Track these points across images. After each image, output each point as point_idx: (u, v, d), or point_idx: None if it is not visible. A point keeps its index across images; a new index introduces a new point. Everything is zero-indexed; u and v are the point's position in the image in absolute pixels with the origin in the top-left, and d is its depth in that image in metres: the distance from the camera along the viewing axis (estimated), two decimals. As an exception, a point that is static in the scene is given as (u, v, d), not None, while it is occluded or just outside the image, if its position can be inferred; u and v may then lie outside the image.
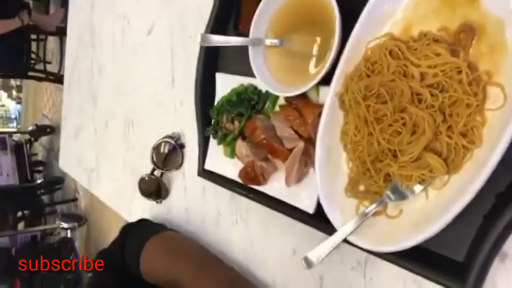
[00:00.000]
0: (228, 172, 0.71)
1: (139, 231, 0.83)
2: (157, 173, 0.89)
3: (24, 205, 3.19)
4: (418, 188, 0.48)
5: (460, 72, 0.44)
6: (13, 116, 7.60)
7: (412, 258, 0.49)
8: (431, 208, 0.48)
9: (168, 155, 0.88)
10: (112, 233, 0.86)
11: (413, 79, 0.46)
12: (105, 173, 1.17)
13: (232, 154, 0.70)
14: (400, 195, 0.49)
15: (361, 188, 0.54)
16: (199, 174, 0.77)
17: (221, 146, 0.72)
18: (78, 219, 3.02)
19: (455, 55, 0.45)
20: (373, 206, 0.52)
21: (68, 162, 1.39)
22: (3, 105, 8.09)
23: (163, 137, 0.87)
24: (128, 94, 1.07)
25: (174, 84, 0.91)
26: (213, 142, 0.74)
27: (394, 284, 0.53)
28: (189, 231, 0.84)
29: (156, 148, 0.88)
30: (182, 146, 0.86)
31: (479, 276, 0.44)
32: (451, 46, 0.46)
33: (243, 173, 0.67)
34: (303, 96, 0.59)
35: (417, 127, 0.46)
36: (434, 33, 0.47)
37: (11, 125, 7.52)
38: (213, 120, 0.73)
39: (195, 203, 0.84)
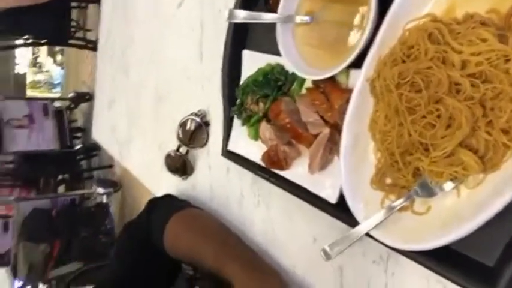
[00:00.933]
0: (251, 154, 0.69)
1: (165, 207, 0.84)
2: (182, 149, 0.89)
3: (64, 169, 3.35)
4: (449, 185, 0.44)
5: (508, 60, 0.40)
6: (57, 82, 7.87)
7: (437, 258, 0.46)
8: (462, 207, 0.44)
9: (194, 132, 0.87)
10: (145, 201, 0.87)
11: (453, 67, 0.42)
12: (135, 146, 1.18)
13: (256, 136, 0.68)
14: (429, 192, 0.46)
15: (388, 180, 0.51)
16: (222, 154, 0.75)
17: (245, 127, 0.70)
18: (114, 185, 3.14)
19: (503, 41, 0.40)
20: (400, 200, 0.49)
21: (101, 133, 1.42)
22: (47, 71, 8.39)
23: (190, 114, 0.86)
24: (159, 67, 1.06)
25: (203, 59, 0.89)
26: (237, 122, 0.72)
27: (417, 282, 0.51)
28: (213, 209, 0.84)
29: (183, 125, 0.87)
30: (208, 124, 0.85)
31: (510, 283, 0.41)
32: (500, 31, 0.41)
33: (265, 156, 0.65)
34: (332, 79, 0.56)
35: (453, 120, 0.42)
36: (482, 16, 0.42)
37: (54, 90, 7.81)
38: (238, 100, 0.71)
39: (219, 182, 0.83)
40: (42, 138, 3.11)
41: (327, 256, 0.53)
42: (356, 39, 0.53)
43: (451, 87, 0.42)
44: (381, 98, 0.49)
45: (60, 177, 3.40)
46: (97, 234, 2.73)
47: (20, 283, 2.74)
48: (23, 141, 3.07)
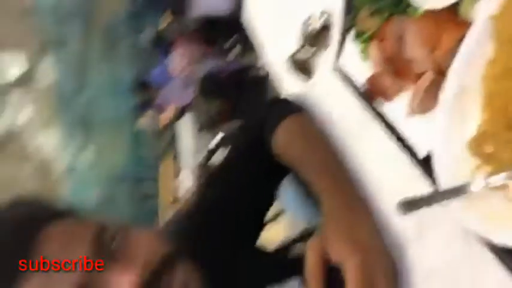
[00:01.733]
0: (359, 74, 0.62)
1: (283, 106, 0.84)
2: (304, 50, 0.85)
3: (236, 37, 3.58)
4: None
5: None
6: None
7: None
8: None
9: (317, 34, 0.81)
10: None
11: None
12: (270, 38, 1.17)
13: (366, 55, 0.60)
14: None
15: (489, 149, 0.41)
16: (334, 69, 0.70)
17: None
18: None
19: None
20: (501, 176, 0.39)
21: (249, 17, 1.44)
22: None
23: (315, 14, 0.79)
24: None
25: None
26: (352, 35, 0.64)
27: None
28: (321, 120, 0.81)
29: (306, 24, 0.82)
30: (329, 29, 0.77)
31: None
32: None
33: (369, 80, 0.58)
34: (452, 7, 0.43)
35: None
36: None
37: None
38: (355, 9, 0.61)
39: (331, 94, 0.78)
40: (219, 2, 3.32)
41: (400, 211, 0.49)
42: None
43: None
44: (500, 47, 0.36)
45: (232, 44, 3.66)
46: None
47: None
48: (204, 4, 3.34)
